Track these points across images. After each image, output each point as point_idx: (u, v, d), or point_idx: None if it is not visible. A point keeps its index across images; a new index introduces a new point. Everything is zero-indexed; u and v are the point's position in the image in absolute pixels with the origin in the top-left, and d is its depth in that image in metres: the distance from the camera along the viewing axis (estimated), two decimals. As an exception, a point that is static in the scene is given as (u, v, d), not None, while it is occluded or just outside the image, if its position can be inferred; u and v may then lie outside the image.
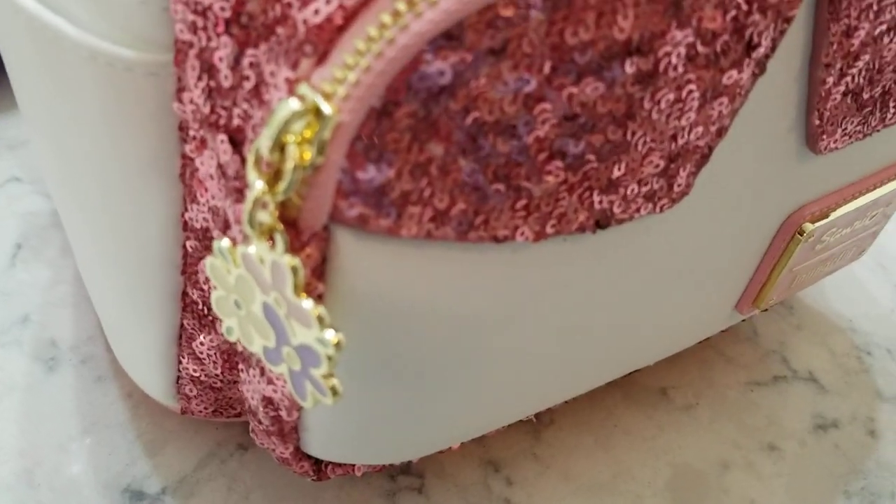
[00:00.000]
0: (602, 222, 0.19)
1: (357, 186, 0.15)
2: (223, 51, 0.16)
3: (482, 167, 0.16)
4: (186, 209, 0.20)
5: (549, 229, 0.18)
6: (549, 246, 0.19)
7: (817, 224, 0.25)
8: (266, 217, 0.15)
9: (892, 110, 0.23)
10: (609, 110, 0.17)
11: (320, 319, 0.16)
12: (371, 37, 0.14)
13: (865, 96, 0.21)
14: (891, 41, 0.20)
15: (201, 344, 0.23)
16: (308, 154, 0.15)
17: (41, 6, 0.18)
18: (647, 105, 0.17)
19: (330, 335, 0.16)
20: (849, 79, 0.20)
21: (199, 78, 0.17)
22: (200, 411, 0.27)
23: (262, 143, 0.14)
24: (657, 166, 0.18)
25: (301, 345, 0.16)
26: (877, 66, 0.21)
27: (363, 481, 0.30)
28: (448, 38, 0.14)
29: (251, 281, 0.17)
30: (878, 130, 0.23)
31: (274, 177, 0.15)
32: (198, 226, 0.20)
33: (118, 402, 0.31)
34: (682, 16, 0.16)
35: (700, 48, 0.17)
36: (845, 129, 0.22)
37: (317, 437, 0.22)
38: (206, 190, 0.19)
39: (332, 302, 0.17)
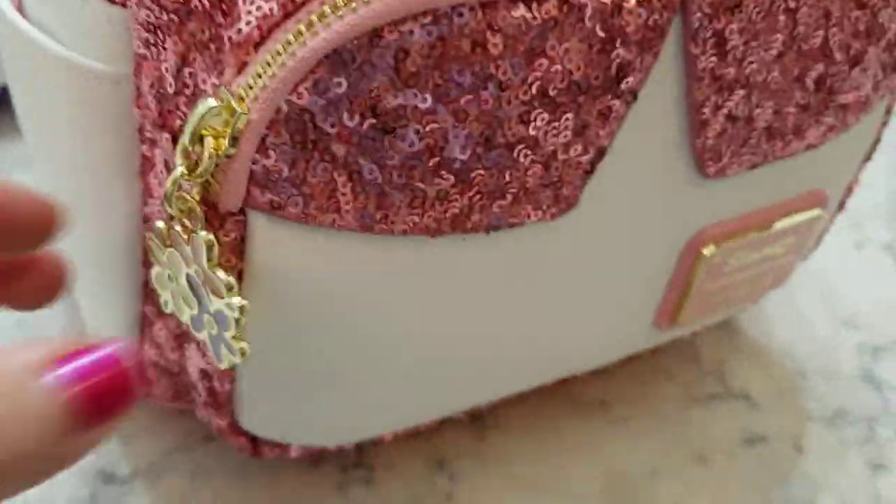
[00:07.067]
0: (494, 225, 0.21)
1: (267, 176, 0.19)
2: (168, 62, 0.19)
3: (380, 168, 0.19)
4: (146, 204, 0.23)
5: (444, 227, 0.21)
6: (450, 242, 0.22)
7: (719, 247, 0.28)
8: (187, 198, 0.18)
9: (779, 144, 0.25)
10: (493, 124, 0.20)
11: (229, 287, 0.19)
12: (278, 50, 0.17)
13: (749, 126, 0.24)
14: (764, 79, 0.23)
15: (159, 329, 0.26)
16: (223, 146, 0.18)
17: (34, 28, 0.21)
18: (526, 123, 0.20)
19: (236, 301, 0.19)
20: (726, 111, 0.23)
21: (151, 85, 0.20)
22: (161, 395, 0.30)
23: (185, 133, 0.18)
24: (541, 178, 0.21)
25: (216, 311, 0.20)
26: (755, 102, 0.24)
27: (318, 472, 0.33)
28: (340, 55, 0.17)
29: (178, 256, 0.20)
30: (769, 162, 0.26)
31: (195, 164, 0.18)
32: (155, 219, 0.23)
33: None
34: (547, 46, 0.19)
35: (574, 75, 0.20)
36: (733, 156, 0.25)
37: (248, 412, 0.25)
38: (160, 185, 0.22)
39: (250, 278, 0.20)
